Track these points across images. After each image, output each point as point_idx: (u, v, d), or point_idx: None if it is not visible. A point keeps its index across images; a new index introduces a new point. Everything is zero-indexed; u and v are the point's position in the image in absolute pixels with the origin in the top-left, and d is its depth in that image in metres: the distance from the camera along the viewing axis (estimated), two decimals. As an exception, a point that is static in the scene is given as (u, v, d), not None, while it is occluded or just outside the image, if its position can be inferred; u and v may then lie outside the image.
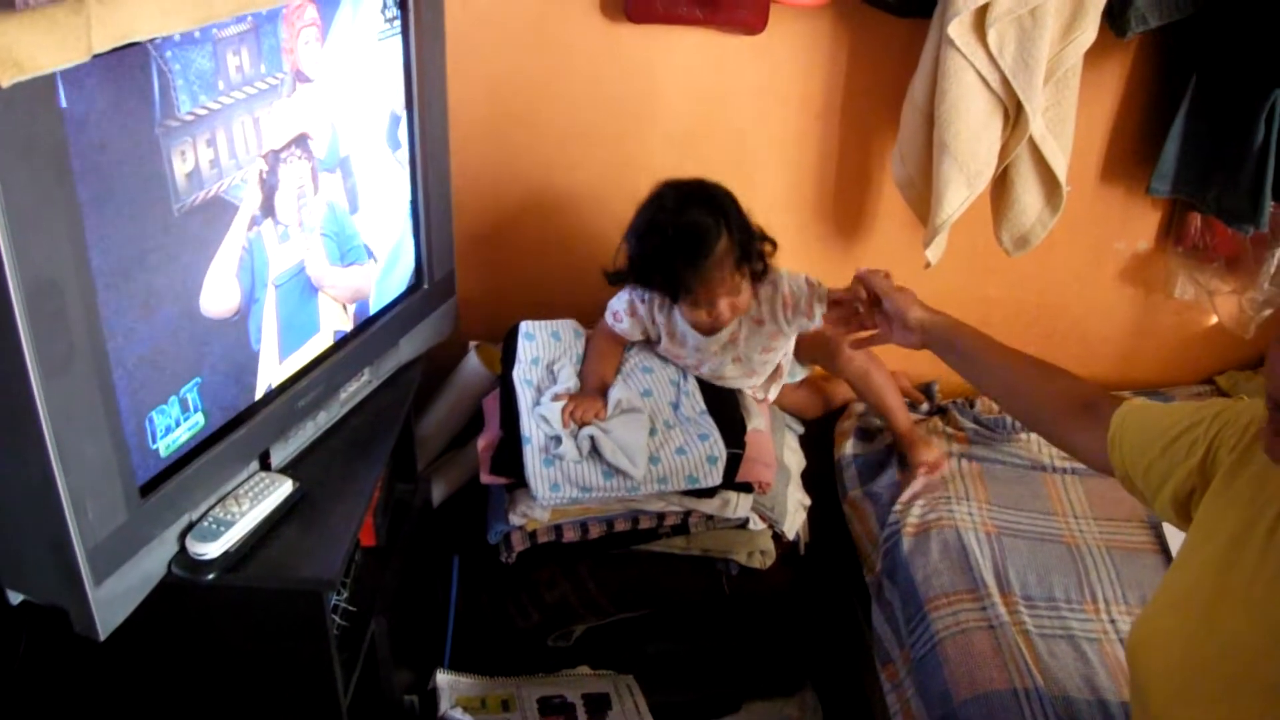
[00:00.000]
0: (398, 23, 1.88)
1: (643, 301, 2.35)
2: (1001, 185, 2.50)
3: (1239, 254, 2.77)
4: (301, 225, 1.75)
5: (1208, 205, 2.61)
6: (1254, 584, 1.34)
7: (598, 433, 2.18)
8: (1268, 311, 2.80)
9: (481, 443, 2.31)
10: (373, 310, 2.03)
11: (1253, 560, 1.35)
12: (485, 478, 2.25)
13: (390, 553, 2.12)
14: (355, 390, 2.04)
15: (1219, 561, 1.40)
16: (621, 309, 2.36)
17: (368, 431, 2.02)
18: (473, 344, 2.58)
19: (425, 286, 2.16)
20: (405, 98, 1.96)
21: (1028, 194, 2.49)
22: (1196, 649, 1.40)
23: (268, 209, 1.65)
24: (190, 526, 1.66)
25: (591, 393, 2.31)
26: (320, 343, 1.89)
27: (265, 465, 1.83)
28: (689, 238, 2.12)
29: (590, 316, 2.58)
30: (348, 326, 1.96)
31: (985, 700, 2.01)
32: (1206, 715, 1.37)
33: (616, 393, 2.30)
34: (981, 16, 2.21)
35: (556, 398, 2.26)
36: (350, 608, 1.90)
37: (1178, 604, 1.49)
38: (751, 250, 2.21)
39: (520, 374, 2.34)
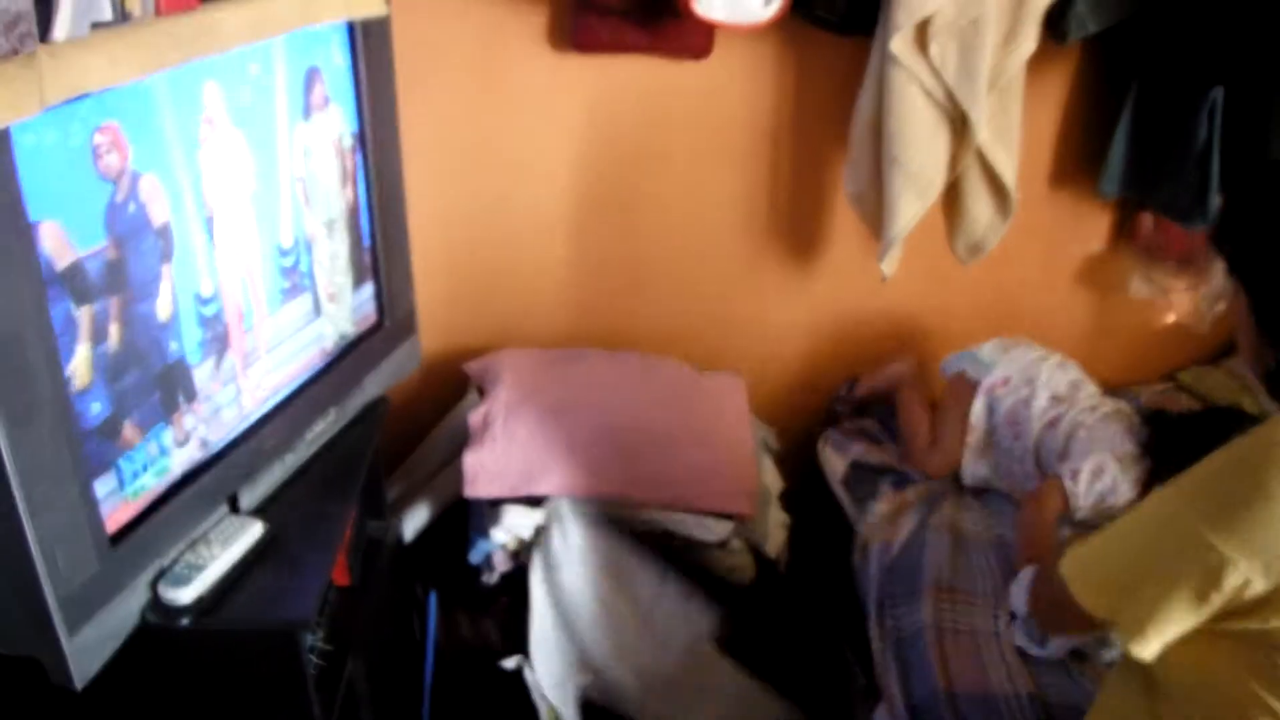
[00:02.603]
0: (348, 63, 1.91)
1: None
2: (952, 195, 2.53)
3: (1191, 251, 2.80)
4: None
5: (1157, 204, 2.65)
6: None
7: None
8: (1222, 306, 2.83)
9: (470, 456, 2.31)
10: (333, 350, 2.04)
11: None
12: (469, 490, 2.26)
13: (365, 591, 2.12)
14: (322, 430, 2.03)
15: None
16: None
17: (336, 470, 2.02)
18: (474, 387, 2.58)
19: (386, 324, 2.16)
20: (358, 135, 1.97)
21: (979, 203, 2.52)
22: None
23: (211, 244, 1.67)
24: (162, 573, 1.65)
25: None
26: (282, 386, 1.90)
27: (234, 508, 1.83)
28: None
29: (553, 346, 2.60)
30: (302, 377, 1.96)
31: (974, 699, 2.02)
32: None
33: None
34: (923, 30, 2.25)
35: None
36: (327, 648, 1.89)
37: None
38: None
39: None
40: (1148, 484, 2.24)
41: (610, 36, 2.33)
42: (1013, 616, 2.16)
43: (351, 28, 1.88)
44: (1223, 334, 3.04)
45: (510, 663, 2.29)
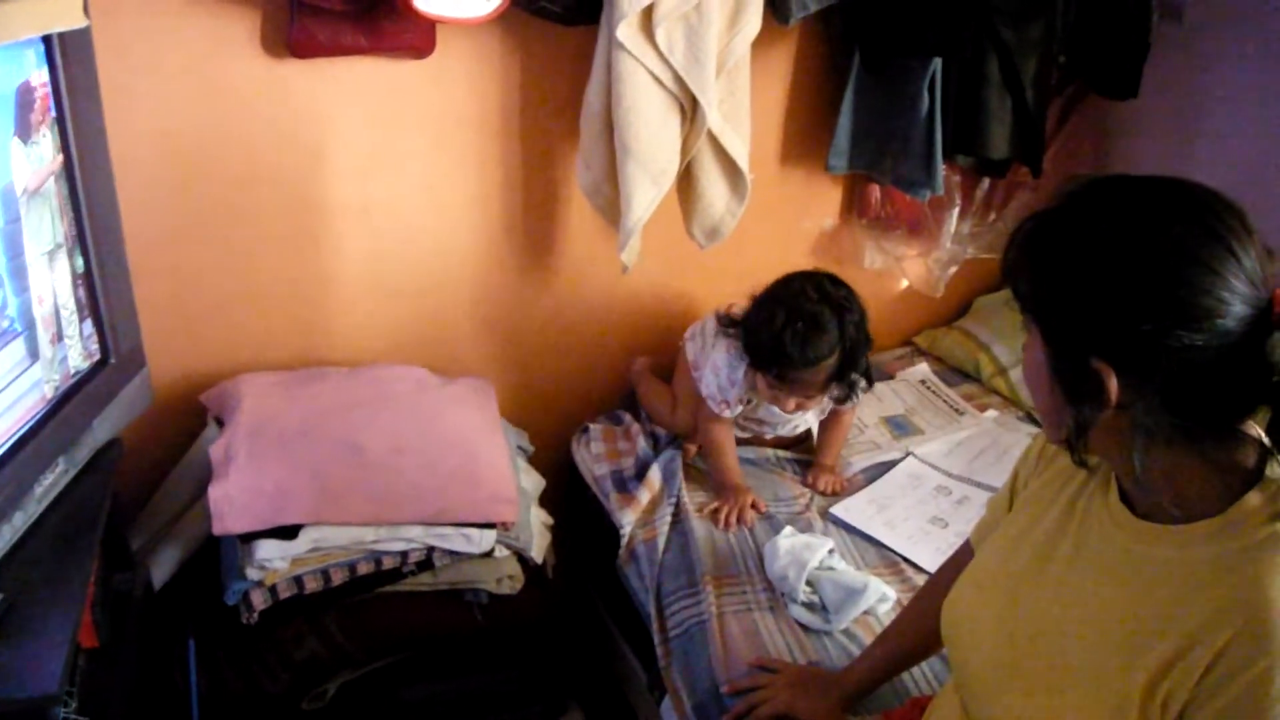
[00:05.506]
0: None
1: (734, 385, 2.47)
2: (687, 181, 2.53)
3: (919, 219, 2.90)
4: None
5: (885, 176, 2.73)
6: (1054, 563, 1.40)
7: None
8: (953, 269, 2.93)
9: (215, 491, 2.17)
10: (54, 396, 1.88)
11: (1053, 538, 1.41)
12: (218, 527, 2.13)
13: (117, 650, 1.99)
14: (51, 483, 1.89)
15: (1022, 542, 1.46)
16: (729, 398, 2.49)
17: (72, 525, 1.87)
18: (212, 418, 2.43)
19: (112, 361, 2.01)
20: (64, 165, 1.82)
21: (714, 186, 2.53)
22: (1004, 631, 1.42)
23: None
24: (-118, 664, 1.50)
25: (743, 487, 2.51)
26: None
27: (-39, 581, 1.68)
28: (803, 346, 2.30)
29: (292, 367, 2.49)
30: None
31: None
32: (1024, 705, 1.39)
33: None
34: (648, 17, 2.23)
35: None
36: (80, 718, 1.76)
37: (979, 586, 1.53)
38: (846, 379, 2.41)
39: None
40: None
41: (328, 39, 2.21)
42: (782, 594, 2.20)
43: (49, 42, 1.74)
44: (955, 298, 3.15)
45: None
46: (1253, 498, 1.19)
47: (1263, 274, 1.15)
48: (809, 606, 2.15)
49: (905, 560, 2.34)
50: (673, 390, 2.75)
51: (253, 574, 2.14)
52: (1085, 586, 1.34)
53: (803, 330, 2.29)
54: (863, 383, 2.48)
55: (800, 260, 2.97)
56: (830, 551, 2.26)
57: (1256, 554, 1.17)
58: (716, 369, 2.47)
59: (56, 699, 1.57)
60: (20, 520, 1.80)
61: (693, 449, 2.67)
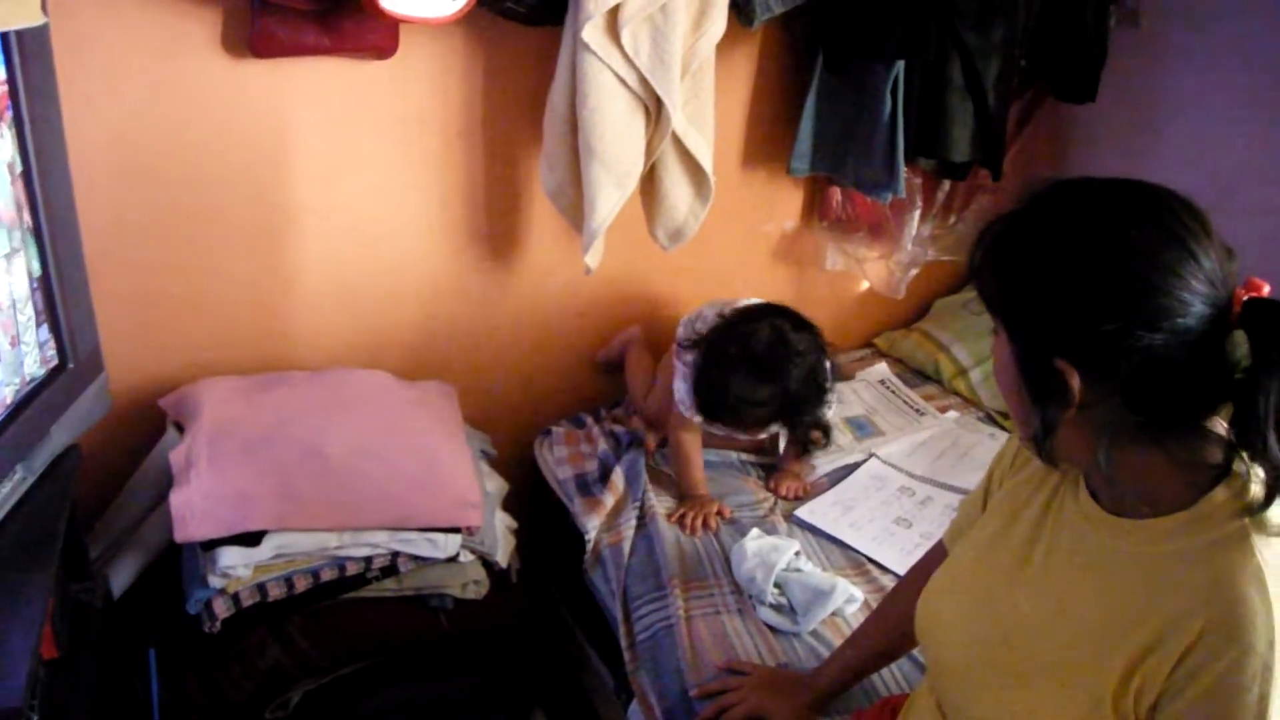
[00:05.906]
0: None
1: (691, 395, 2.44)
2: (650, 183, 2.53)
3: (880, 221, 2.91)
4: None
5: (846, 178, 2.73)
6: (1030, 563, 1.40)
7: None
8: (914, 271, 2.94)
9: (177, 497, 2.13)
10: (13, 402, 1.84)
11: (1029, 538, 1.42)
12: (179, 534, 2.10)
13: (77, 660, 1.95)
14: (9, 491, 1.85)
15: (998, 542, 1.47)
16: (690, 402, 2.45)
17: (32, 534, 1.83)
18: (171, 423, 2.39)
19: (70, 366, 1.98)
20: (23, 168, 1.78)
21: (677, 188, 2.52)
22: (980, 630, 1.43)
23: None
24: None
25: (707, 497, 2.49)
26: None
27: (-82, 593, 1.64)
28: (739, 400, 2.32)
29: (252, 372, 2.45)
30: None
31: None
32: (999, 701, 1.39)
33: None
34: (613, 18, 2.22)
35: None
36: (41, 730, 1.73)
37: (954, 585, 1.54)
38: (798, 427, 2.45)
39: None
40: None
41: (289, 38, 2.18)
42: (750, 596, 2.20)
43: (6, 40, 1.70)
44: (915, 300, 3.16)
45: None
46: (1220, 492, 1.21)
47: (1222, 273, 1.17)
48: (777, 608, 2.15)
49: (871, 561, 2.34)
50: (656, 372, 2.75)
51: (215, 582, 2.11)
52: (1059, 583, 1.35)
53: (740, 381, 2.30)
54: (823, 440, 2.51)
55: (761, 262, 2.98)
56: (797, 553, 2.26)
57: (1225, 547, 1.18)
58: (684, 375, 2.46)
59: (20, 715, 1.54)
60: (-21, 532, 1.77)
61: (652, 443, 2.66)
